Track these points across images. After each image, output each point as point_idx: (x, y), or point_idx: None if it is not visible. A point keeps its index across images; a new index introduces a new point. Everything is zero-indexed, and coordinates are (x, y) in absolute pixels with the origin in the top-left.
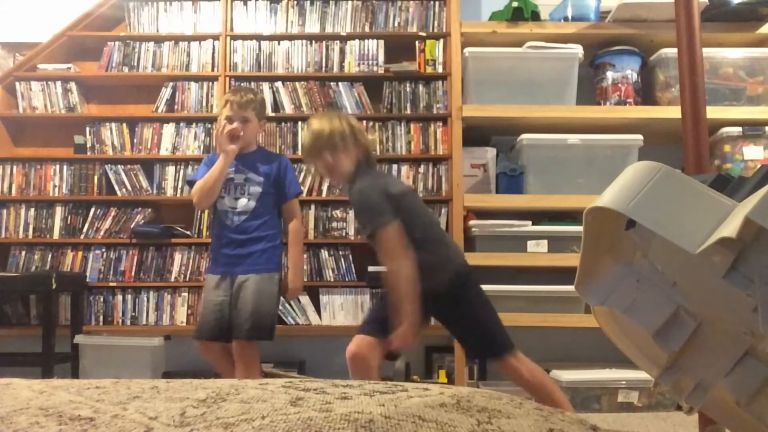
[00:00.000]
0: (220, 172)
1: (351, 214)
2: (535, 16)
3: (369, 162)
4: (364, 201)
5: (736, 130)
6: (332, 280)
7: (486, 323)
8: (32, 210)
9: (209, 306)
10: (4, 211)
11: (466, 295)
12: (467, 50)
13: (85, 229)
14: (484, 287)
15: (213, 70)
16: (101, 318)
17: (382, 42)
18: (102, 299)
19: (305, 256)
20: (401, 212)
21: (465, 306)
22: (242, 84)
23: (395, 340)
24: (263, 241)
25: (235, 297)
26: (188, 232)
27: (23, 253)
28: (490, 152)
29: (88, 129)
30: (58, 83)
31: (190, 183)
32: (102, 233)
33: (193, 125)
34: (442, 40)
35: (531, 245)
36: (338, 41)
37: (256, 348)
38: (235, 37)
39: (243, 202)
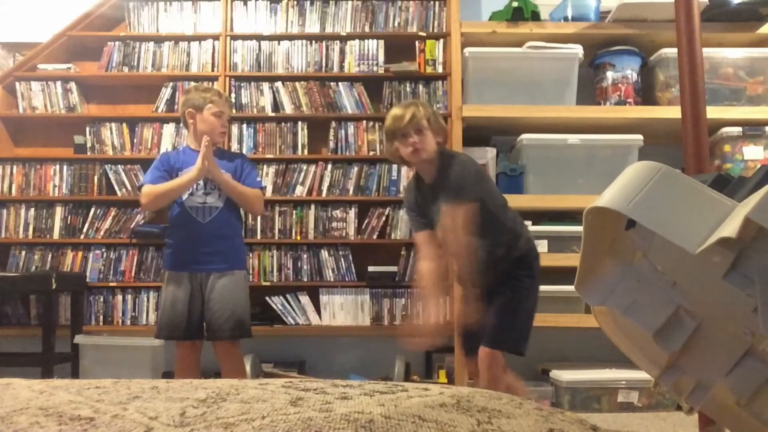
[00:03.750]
0: (189, 182)
1: (351, 213)
2: (535, 16)
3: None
4: (471, 170)
5: (736, 130)
6: (332, 280)
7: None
8: (32, 210)
9: (177, 305)
10: (4, 211)
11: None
12: (467, 50)
13: (85, 229)
14: None
15: (213, 70)
16: (101, 318)
17: (382, 42)
18: (102, 299)
19: (305, 255)
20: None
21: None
22: (241, 84)
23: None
24: (233, 238)
25: (208, 296)
26: None
27: (23, 253)
28: (490, 152)
29: (88, 129)
30: (58, 83)
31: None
32: (102, 233)
33: None
34: (442, 40)
35: None
36: (338, 41)
37: (239, 347)
38: (235, 37)
39: (213, 198)
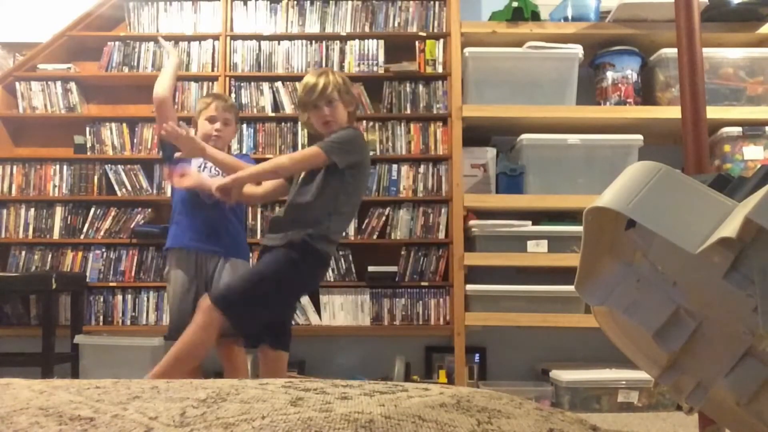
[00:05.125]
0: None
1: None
2: (535, 16)
3: (355, 115)
4: (346, 134)
5: (736, 130)
6: (332, 280)
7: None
8: (32, 210)
9: (186, 305)
10: (4, 211)
11: (301, 268)
12: (467, 50)
13: (85, 229)
14: (485, 287)
15: (213, 70)
16: (101, 318)
17: (382, 42)
18: (102, 299)
19: None
20: (352, 178)
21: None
22: (241, 84)
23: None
24: (237, 224)
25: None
26: None
27: (23, 253)
28: (490, 152)
29: (88, 129)
30: (58, 83)
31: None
32: (102, 233)
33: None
34: (442, 40)
35: (531, 245)
36: (338, 41)
37: (243, 346)
38: (235, 37)
39: (219, 180)
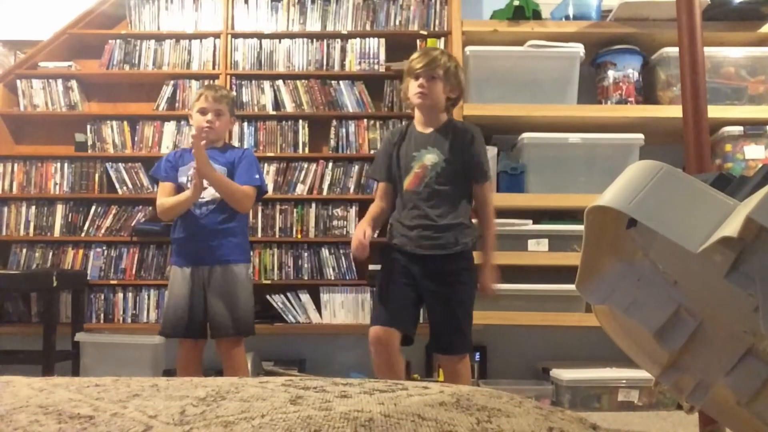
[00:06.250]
0: (190, 199)
1: (352, 212)
2: (537, 15)
3: (455, 104)
4: (483, 142)
5: (738, 129)
6: (333, 278)
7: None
8: (33, 208)
9: (180, 301)
10: (6, 209)
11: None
12: (468, 49)
13: (86, 227)
14: None
15: (214, 68)
16: (102, 316)
17: (383, 40)
18: (103, 297)
19: (306, 254)
20: None
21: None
22: (242, 83)
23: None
24: (233, 231)
25: (209, 292)
26: None
27: (24, 250)
28: (491, 151)
29: (89, 127)
30: (59, 81)
31: (153, 178)
32: (103, 231)
33: None
34: (443, 39)
35: (532, 244)
36: (339, 39)
37: (243, 345)
38: (236, 35)
39: (209, 192)
